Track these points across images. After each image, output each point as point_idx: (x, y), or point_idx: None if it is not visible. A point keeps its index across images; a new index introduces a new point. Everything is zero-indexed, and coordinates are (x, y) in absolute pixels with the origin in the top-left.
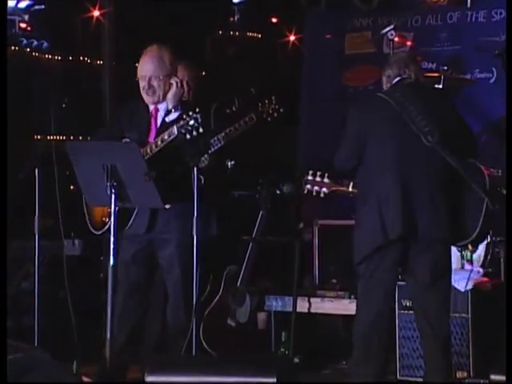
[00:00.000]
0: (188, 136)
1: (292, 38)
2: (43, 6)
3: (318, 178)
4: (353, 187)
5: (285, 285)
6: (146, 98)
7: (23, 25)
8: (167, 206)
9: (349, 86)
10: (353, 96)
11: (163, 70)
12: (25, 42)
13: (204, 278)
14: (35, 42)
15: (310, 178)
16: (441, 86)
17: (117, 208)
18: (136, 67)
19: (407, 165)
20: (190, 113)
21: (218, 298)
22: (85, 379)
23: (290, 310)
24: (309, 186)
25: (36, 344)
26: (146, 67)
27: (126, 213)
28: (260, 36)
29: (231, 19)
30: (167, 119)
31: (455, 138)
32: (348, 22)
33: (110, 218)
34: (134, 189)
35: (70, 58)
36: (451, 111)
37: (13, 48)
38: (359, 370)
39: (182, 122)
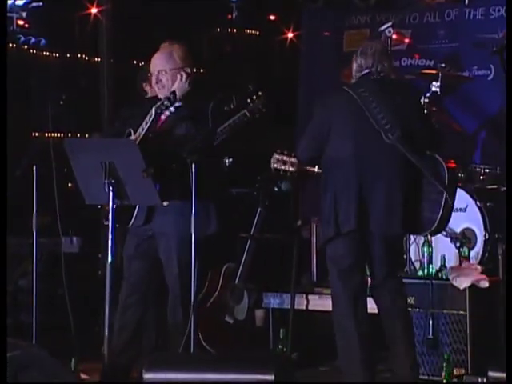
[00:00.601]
0: (163, 116)
1: (290, 35)
2: (41, 4)
3: (285, 157)
4: (319, 168)
5: (283, 282)
6: (158, 92)
7: (21, 22)
8: (165, 204)
9: (347, 83)
10: None
11: (171, 64)
12: (22, 39)
13: (202, 276)
14: (33, 40)
15: (277, 156)
16: (439, 83)
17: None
18: (134, 64)
19: (365, 160)
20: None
21: (216, 295)
22: (83, 376)
23: (288, 307)
24: (276, 165)
25: (34, 341)
26: (155, 62)
27: (129, 208)
28: (258, 33)
29: (229, 16)
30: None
31: (418, 133)
32: (346, 19)
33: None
34: (132, 186)
35: (68, 56)
36: (417, 107)
37: (10, 45)
38: (346, 368)
39: (158, 103)
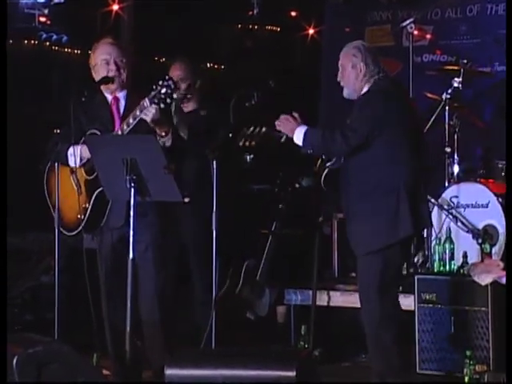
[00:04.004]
0: (162, 105)
1: (311, 31)
2: (63, 0)
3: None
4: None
5: (304, 278)
6: (108, 85)
7: (43, 19)
8: (186, 200)
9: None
10: None
11: (124, 55)
12: (44, 35)
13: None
14: (55, 36)
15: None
16: (460, 79)
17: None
18: (155, 61)
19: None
20: (161, 82)
21: (237, 291)
22: (105, 372)
23: (310, 303)
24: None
25: (56, 337)
26: (109, 50)
27: (102, 207)
28: (279, 29)
29: (250, 13)
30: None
31: None
32: (367, 15)
33: (85, 215)
34: (154, 182)
35: (90, 52)
36: None
37: (32, 42)
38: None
39: (152, 93)
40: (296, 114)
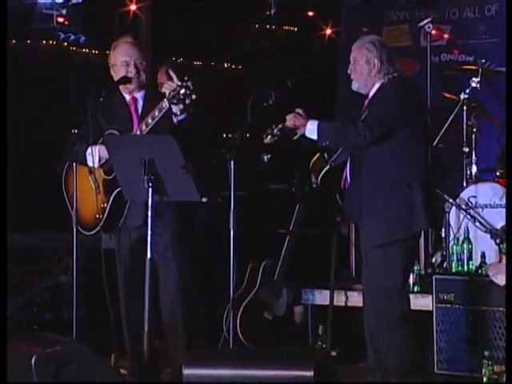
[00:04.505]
0: (181, 105)
1: (328, 31)
2: (80, 0)
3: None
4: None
5: (321, 278)
6: (126, 85)
7: (61, 19)
8: (204, 199)
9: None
10: None
11: (144, 57)
12: (62, 36)
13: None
14: (72, 36)
15: (269, 130)
16: (479, 79)
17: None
18: (173, 61)
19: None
20: (179, 82)
21: (254, 291)
22: (123, 372)
23: (327, 303)
24: (269, 138)
25: (74, 337)
26: (130, 52)
27: (121, 207)
28: (296, 29)
29: (267, 13)
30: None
31: None
32: (385, 15)
33: (103, 215)
34: (172, 182)
35: (108, 53)
36: None
37: (50, 42)
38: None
39: (172, 94)
40: (300, 110)
